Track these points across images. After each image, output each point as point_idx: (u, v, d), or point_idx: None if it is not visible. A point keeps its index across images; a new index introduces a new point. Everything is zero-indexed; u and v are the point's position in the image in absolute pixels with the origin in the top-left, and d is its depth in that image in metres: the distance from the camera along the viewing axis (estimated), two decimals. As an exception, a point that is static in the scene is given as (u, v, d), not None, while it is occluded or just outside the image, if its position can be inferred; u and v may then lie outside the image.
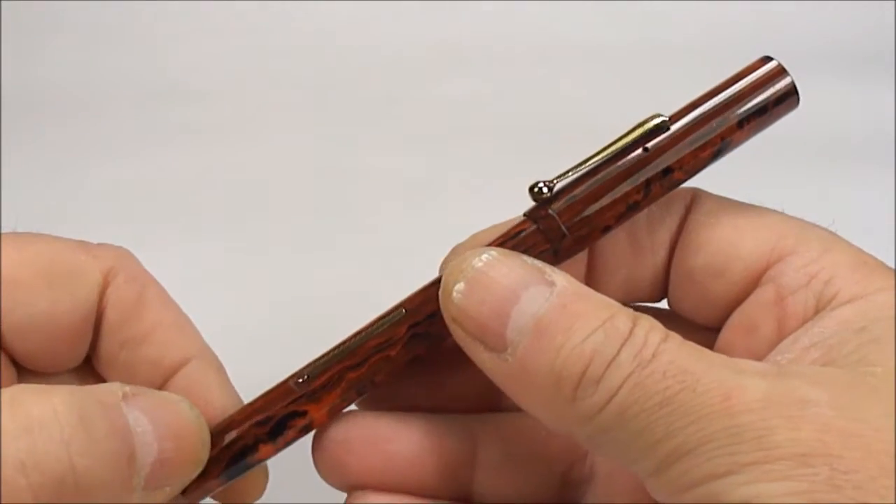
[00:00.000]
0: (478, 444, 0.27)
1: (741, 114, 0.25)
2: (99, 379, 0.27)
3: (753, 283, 0.25)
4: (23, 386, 0.22)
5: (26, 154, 0.51)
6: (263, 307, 0.41)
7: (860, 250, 0.24)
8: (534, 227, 0.25)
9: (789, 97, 0.26)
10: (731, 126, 0.25)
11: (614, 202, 0.25)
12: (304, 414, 0.25)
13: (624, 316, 0.22)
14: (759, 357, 0.24)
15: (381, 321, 0.25)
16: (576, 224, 0.25)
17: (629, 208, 0.25)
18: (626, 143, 0.25)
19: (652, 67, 0.54)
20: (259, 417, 0.25)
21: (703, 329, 0.26)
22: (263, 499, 0.29)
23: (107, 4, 0.56)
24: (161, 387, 0.26)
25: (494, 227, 0.26)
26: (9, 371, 0.26)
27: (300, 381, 0.25)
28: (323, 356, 0.25)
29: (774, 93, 0.25)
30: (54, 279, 0.25)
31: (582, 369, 0.21)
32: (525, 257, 0.23)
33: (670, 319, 0.25)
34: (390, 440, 0.26)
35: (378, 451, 0.26)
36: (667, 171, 0.25)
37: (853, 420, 0.20)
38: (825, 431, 0.20)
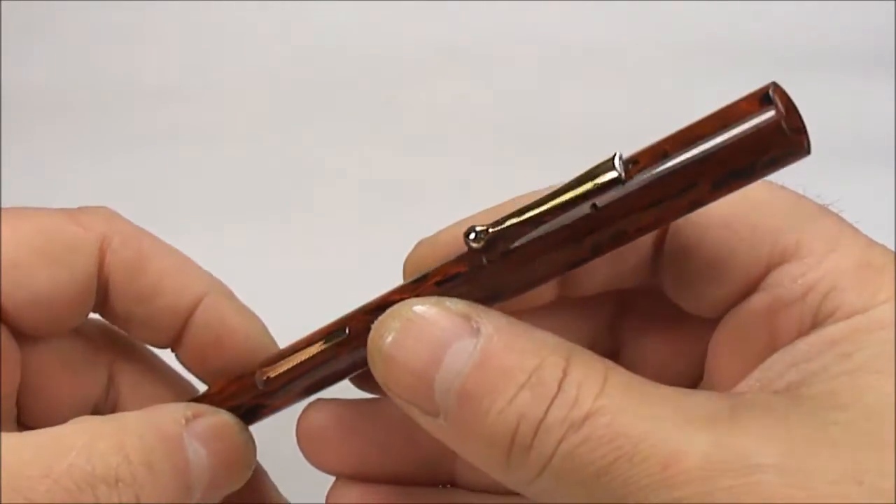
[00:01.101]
0: None
1: (718, 177, 0.19)
2: (101, 336, 0.29)
3: (751, 288, 0.23)
4: (94, 426, 0.23)
5: (26, 154, 0.51)
6: (260, 307, 0.41)
7: (869, 245, 0.22)
8: (468, 270, 0.23)
9: (790, 157, 0.19)
10: (703, 190, 0.19)
11: (553, 260, 0.22)
12: (269, 405, 0.27)
13: (553, 364, 0.20)
14: (748, 369, 0.22)
15: (325, 338, 0.25)
16: (510, 277, 0.22)
17: (573, 265, 0.22)
18: (572, 198, 0.20)
19: (652, 67, 0.54)
20: (231, 403, 0.26)
21: (698, 319, 0.25)
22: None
23: (107, 4, 0.56)
24: (183, 328, 0.28)
25: (462, 221, 0.25)
26: (10, 343, 0.26)
27: (264, 380, 0.26)
28: (281, 355, 0.26)
29: (771, 154, 0.19)
30: (51, 257, 0.26)
31: (510, 437, 0.20)
32: (451, 303, 0.22)
33: (664, 304, 0.25)
34: (372, 426, 0.27)
35: (357, 437, 0.26)
36: (619, 234, 0.21)
37: (801, 488, 0.18)
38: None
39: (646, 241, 0.24)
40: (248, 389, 0.26)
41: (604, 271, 0.25)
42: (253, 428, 0.27)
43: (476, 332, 0.21)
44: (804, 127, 0.19)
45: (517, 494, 0.27)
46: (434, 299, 0.22)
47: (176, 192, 0.50)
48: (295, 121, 0.54)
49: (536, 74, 0.54)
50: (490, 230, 0.21)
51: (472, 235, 0.21)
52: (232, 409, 0.26)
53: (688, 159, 0.19)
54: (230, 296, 0.29)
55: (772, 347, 0.22)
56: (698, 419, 0.20)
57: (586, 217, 0.20)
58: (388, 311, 0.22)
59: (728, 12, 0.54)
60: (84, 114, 0.53)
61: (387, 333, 0.22)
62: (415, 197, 0.49)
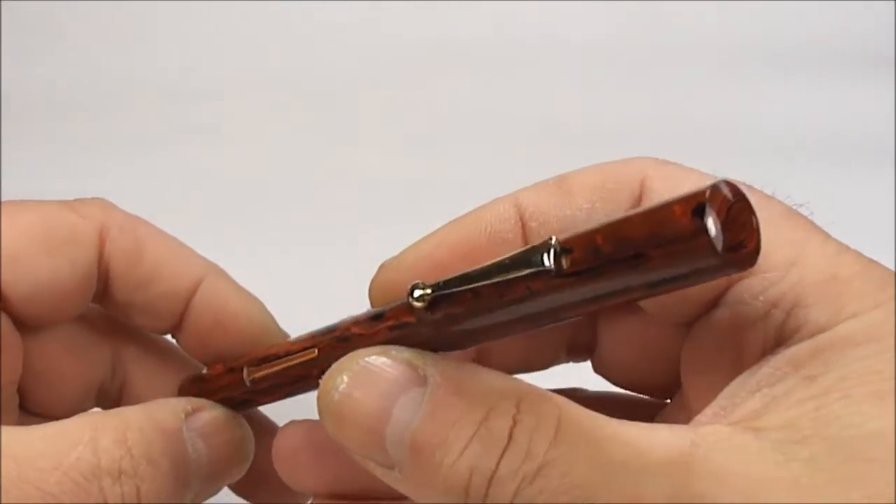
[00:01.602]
0: None
1: (652, 282, 0.18)
2: (104, 321, 0.29)
3: (714, 300, 0.22)
4: (98, 420, 0.24)
5: (26, 154, 0.51)
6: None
7: (837, 253, 0.21)
8: (415, 322, 0.22)
9: (730, 270, 0.18)
10: (637, 289, 0.19)
11: (496, 328, 0.21)
12: (257, 401, 0.27)
13: (503, 412, 0.20)
14: (714, 391, 0.22)
15: (297, 353, 0.25)
16: (455, 336, 0.22)
17: (516, 332, 0.21)
18: (507, 279, 0.19)
19: (652, 67, 0.54)
20: (224, 394, 0.27)
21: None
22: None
23: (107, 4, 0.56)
24: (183, 313, 0.28)
25: (429, 238, 0.25)
26: (12, 332, 0.27)
27: (251, 380, 0.26)
28: (267, 356, 0.26)
29: (705, 269, 0.17)
30: (52, 247, 0.26)
31: (464, 489, 0.20)
32: (396, 353, 0.21)
33: (636, 308, 0.24)
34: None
35: (331, 457, 0.26)
36: (553, 315, 0.20)
37: None
38: None
39: None
40: (238, 384, 0.27)
41: None
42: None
43: (423, 380, 0.21)
44: (750, 240, 0.18)
45: None
46: (380, 349, 0.22)
47: (176, 191, 0.49)
48: (295, 121, 0.54)
49: (537, 74, 0.54)
50: (433, 292, 0.21)
51: (417, 294, 0.21)
52: (225, 400, 0.27)
53: (619, 261, 0.18)
54: (228, 278, 0.29)
55: (739, 362, 0.22)
56: (655, 464, 0.19)
57: (521, 297, 0.20)
58: (336, 364, 0.22)
59: (728, 12, 0.54)
60: (84, 114, 0.53)
61: (335, 387, 0.21)
62: (416, 197, 0.49)
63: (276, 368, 0.26)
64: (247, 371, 0.26)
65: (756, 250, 0.18)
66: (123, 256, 0.28)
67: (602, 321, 0.27)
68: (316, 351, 0.25)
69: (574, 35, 0.55)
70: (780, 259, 0.21)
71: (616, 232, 0.18)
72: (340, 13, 0.55)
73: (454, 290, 0.20)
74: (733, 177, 0.25)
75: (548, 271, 0.19)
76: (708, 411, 0.21)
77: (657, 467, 0.19)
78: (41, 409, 0.28)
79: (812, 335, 0.20)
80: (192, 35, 0.56)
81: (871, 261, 0.21)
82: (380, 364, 0.21)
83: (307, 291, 0.42)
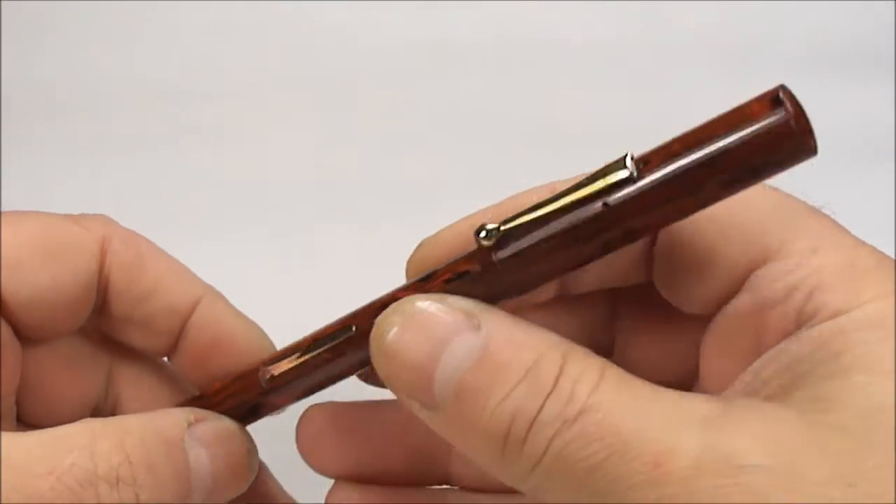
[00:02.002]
0: None
1: (728, 176, 0.20)
2: (101, 338, 0.29)
3: (737, 286, 0.23)
4: (97, 426, 0.24)
5: (26, 154, 0.51)
6: (260, 308, 0.41)
7: (855, 246, 0.22)
8: (477, 268, 0.23)
9: (800, 157, 0.19)
10: (712, 189, 0.20)
11: (564, 258, 0.22)
12: (271, 403, 0.27)
13: (550, 361, 0.20)
14: (737, 371, 0.23)
15: (331, 335, 0.25)
16: (520, 275, 0.22)
17: (582, 262, 0.22)
18: (583, 196, 0.21)
19: (652, 67, 0.54)
20: (232, 402, 0.26)
21: (690, 317, 0.25)
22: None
23: (107, 4, 0.56)
24: (181, 331, 0.28)
25: (465, 219, 0.25)
26: (12, 341, 0.26)
27: (267, 378, 0.26)
28: (284, 354, 0.26)
29: (781, 155, 0.19)
30: (53, 256, 0.26)
31: (505, 432, 0.20)
32: (453, 301, 0.22)
33: (658, 303, 0.25)
34: (367, 426, 0.27)
35: (353, 438, 0.26)
36: (629, 232, 0.21)
37: (789, 490, 0.18)
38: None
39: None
40: (250, 388, 0.26)
41: (600, 268, 0.25)
42: (252, 429, 0.28)
43: (477, 328, 0.21)
44: (811, 128, 0.19)
45: (513, 493, 0.27)
46: (437, 296, 0.22)
47: (176, 192, 0.50)
48: (295, 121, 0.54)
49: (537, 75, 0.54)
50: (501, 227, 0.22)
51: (483, 233, 0.22)
52: (233, 408, 0.27)
53: (698, 159, 0.19)
54: (226, 301, 0.29)
55: (759, 347, 0.22)
56: (690, 419, 0.20)
57: (597, 215, 0.21)
58: (391, 306, 0.23)
59: (728, 12, 0.54)
60: (84, 114, 0.53)
61: (389, 329, 0.22)
62: (416, 197, 0.49)
63: (300, 360, 0.25)
64: (262, 371, 0.26)
65: (816, 143, 0.19)
66: (124, 269, 0.27)
67: (621, 321, 0.27)
68: (353, 328, 0.24)
69: (574, 35, 0.55)
70: (802, 247, 0.22)
71: (694, 136, 0.20)
72: (340, 13, 0.55)
73: (526, 218, 0.21)
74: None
75: (628, 179, 0.20)
76: (735, 387, 0.22)
77: (692, 423, 0.19)
78: (37, 421, 0.28)
79: (832, 317, 0.21)
80: (192, 35, 0.56)
81: (885, 255, 0.22)
82: (435, 308, 0.22)
83: (307, 291, 0.42)
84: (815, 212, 0.23)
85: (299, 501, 0.31)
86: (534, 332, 0.21)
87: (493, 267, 0.22)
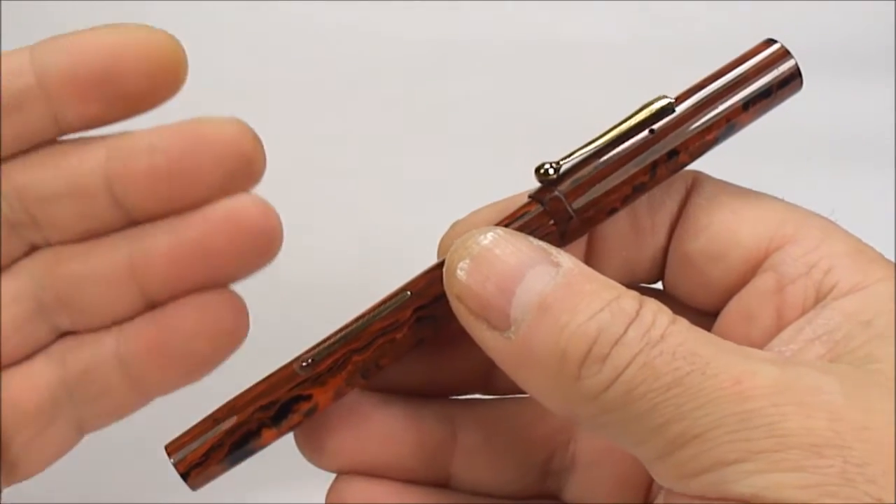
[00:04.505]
0: (457, 429, 0.27)
1: (746, 96, 0.25)
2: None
3: (752, 271, 0.25)
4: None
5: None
6: (266, 305, 0.41)
7: (859, 240, 0.24)
8: (540, 208, 0.24)
9: (793, 80, 0.26)
10: (737, 108, 0.25)
11: (620, 184, 0.25)
12: (308, 398, 0.25)
13: (630, 298, 0.21)
14: (758, 346, 0.23)
15: (386, 304, 0.25)
16: (582, 206, 0.25)
17: (635, 190, 0.25)
18: (632, 125, 0.25)
19: (652, 67, 0.54)
20: (263, 402, 0.25)
21: (699, 313, 0.26)
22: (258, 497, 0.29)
23: (107, 4, 0.56)
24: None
25: (494, 204, 0.26)
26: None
27: (304, 364, 0.24)
28: (326, 339, 0.25)
29: (778, 75, 0.26)
30: None
31: (587, 347, 0.21)
32: (531, 238, 0.23)
33: (665, 302, 0.25)
34: (368, 420, 0.27)
35: (356, 432, 0.26)
36: (672, 153, 0.25)
37: (864, 411, 0.19)
38: (837, 420, 0.19)
39: (660, 229, 0.26)
40: (283, 383, 0.25)
41: (621, 259, 0.26)
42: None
43: (556, 263, 0.22)
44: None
45: (513, 494, 0.27)
46: (516, 232, 0.23)
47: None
48: (295, 121, 0.54)
49: (538, 75, 0.54)
50: (562, 162, 0.25)
51: (547, 167, 0.25)
52: (262, 409, 0.25)
53: (722, 85, 0.25)
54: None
55: (778, 325, 0.24)
56: (760, 357, 0.21)
57: (645, 141, 0.25)
58: (474, 230, 0.23)
59: (728, 13, 0.54)
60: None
61: (478, 240, 0.22)
62: (416, 197, 0.49)
63: (346, 332, 0.25)
64: (297, 364, 0.25)
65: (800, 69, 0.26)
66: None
67: None
68: (408, 293, 0.24)
69: (575, 35, 0.55)
70: (814, 234, 0.24)
71: (716, 73, 0.26)
72: (340, 13, 0.55)
73: (584, 151, 0.25)
74: (734, 177, 0.26)
75: (668, 107, 0.25)
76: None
77: (763, 358, 0.21)
78: None
79: (851, 291, 0.23)
80: (192, 35, 0.56)
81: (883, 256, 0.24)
82: (519, 237, 0.23)
83: (307, 292, 0.42)
84: (818, 214, 0.25)
85: (300, 502, 0.31)
86: (609, 277, 0.22)
87: (556, 202, 0.24)
